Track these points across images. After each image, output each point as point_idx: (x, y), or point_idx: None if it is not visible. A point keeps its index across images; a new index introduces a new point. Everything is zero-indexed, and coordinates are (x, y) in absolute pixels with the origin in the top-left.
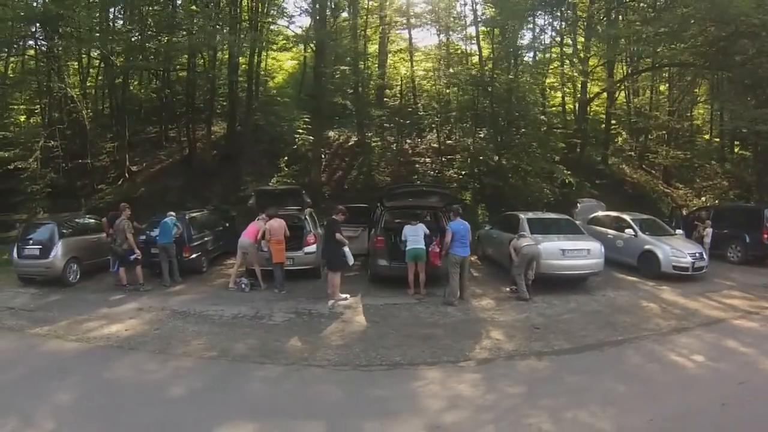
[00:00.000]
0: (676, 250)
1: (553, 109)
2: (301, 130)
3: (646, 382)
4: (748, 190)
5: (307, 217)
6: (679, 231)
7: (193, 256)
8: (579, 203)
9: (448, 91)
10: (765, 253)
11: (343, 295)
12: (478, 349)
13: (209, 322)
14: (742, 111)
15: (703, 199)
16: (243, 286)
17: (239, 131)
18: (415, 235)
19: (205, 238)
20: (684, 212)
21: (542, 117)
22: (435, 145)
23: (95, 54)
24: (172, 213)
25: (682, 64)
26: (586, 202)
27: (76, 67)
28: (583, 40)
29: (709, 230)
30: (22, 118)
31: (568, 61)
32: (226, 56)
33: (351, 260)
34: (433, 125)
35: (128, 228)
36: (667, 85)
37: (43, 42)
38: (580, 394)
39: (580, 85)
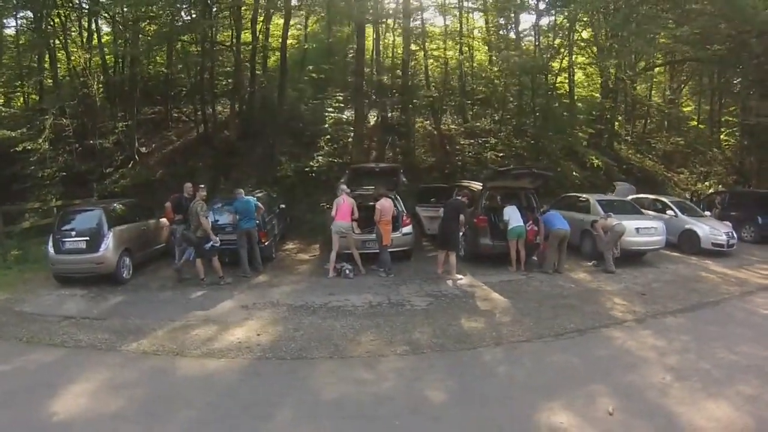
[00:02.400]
0: (714, 228)
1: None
2: (331, 109)
3: (759, 327)
4: (746, 176)
5: (397, 197)
6: (707, 212)
7: (267, 242)
8: (616, 186)
9: (495, 75)
10: None
11: (459, 275)
12: (619, 312)
13: (347, 314)
14: (752, 104)
15: (707, 183)
16: (347, 272)
17: (260, 109)
18: (515, 215)
19: (273, 222)
20: (688, 196)
21: (579, 104)
22: (464, 127)
23: (103, 23)
24: (241, 191)
25: (698, 59)
26: (621, 185)
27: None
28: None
29: (707, 213)
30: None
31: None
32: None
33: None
34: (475, 107)
35: (202, 211)
36: (667, 75)
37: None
38: (729, 338)
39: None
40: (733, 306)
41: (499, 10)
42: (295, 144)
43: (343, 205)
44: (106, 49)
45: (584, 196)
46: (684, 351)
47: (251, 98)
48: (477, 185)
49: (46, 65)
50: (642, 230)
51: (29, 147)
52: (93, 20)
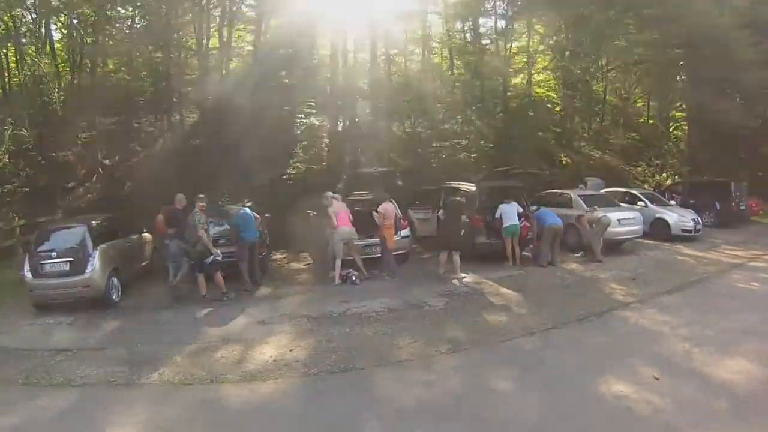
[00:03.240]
0: (682, 216)
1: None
2: (301, 115)
3: (743, 298)
4: (698, 167)
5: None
6: (672, 202)
7: (263, 253)
8: (587, 181)
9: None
10: (732, 219)
11: (463, 274)
12: (620, 296)
13: (372, 321)
14: (706, 101)
15: (664, 175)
16: (354, 278)
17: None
18: (510, 213)
19: (265, 232)
20: (647, 188)
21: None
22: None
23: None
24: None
25: (656, 62)
26: (592, 180)
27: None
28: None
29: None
30: None
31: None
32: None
33: None
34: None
35: (201, 223)
36: (620, 75)
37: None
38: (721, 309)
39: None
40: (715, 283)
41: (461, 16)
42: (267, 152)
43: (342, 211)
44: (59, 56)
45: (565, 192)
46: (689, 324)
47: (218, 106)
48: (467, 186)
49: None
50: (623, 221)
51: None
52: (44, 23)
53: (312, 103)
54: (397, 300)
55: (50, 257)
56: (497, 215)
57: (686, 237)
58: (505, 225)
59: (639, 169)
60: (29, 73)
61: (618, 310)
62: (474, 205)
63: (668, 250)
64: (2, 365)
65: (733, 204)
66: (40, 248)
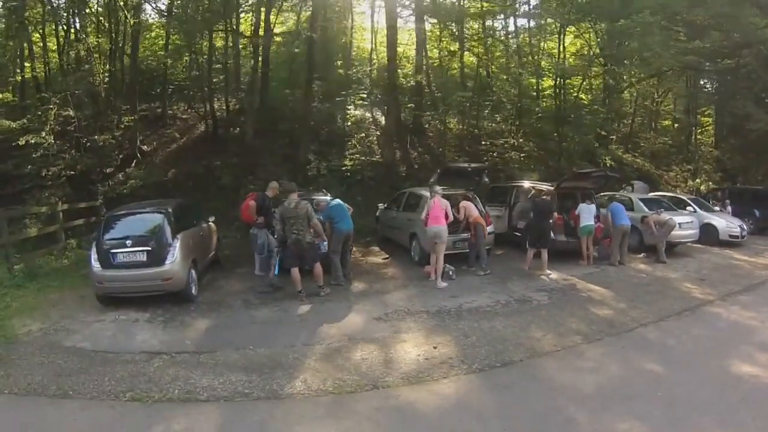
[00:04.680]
0: (729, 222)
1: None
2: (351, 107)
3: None
4: (731, 173)
5: (476, 196)
6: (716, 208)
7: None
8: (634, 184)
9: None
10: None
11: (549, 271)
12: (699, 294)
13: (493, 315)
14: (740, 108)
15: (698, 181)
16: (450, 273)
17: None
18: (588, 213)
19: None
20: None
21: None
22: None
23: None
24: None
25: (694, 68)
26: (638, 183)
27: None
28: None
29: (729, 207)
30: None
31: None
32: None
33: None
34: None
35: (312, 212)
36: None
37: None
38: None
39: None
40: None
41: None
42: (317, 143)
43: (435, 207)
44: (102, 37)
45: (625, 195)
46: None
47: (263, 94)
48: (541, 185)
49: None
50: (683, 225)
51: (32, 141)
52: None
53: (363, 95)
54: (501, 295)
55: (124, 246)
56: (577, 212)
57: (733, 242)
58: (582, 225)
59: (671, 173)
60: (75, 52)
61: (706, 307)
62: (554, 204)
63: (719, 254)
64: (88, 373)
65: None
66: (110, 236)
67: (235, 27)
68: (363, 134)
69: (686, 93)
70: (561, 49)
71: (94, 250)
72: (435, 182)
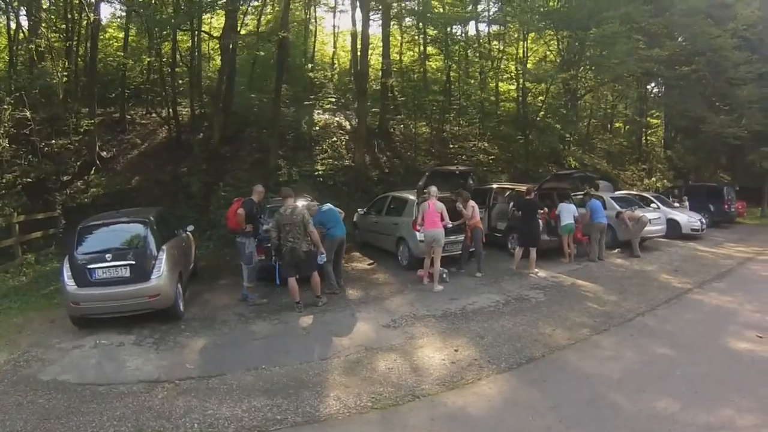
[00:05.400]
0: (690, 217)
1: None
2: (318, 111)
3: None
4: (683, 172)
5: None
6: (676, 204)
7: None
8: (599, 184)
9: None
10: (725, 219)
11: (536, 269)
12: (678, 284)
13: (497, 314)
14: (693, 111)
15: (653, 179)
16: (444, 276)
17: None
18: (568, 212)
19: None
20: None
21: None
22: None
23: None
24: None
25: (653, 74)
26: (603, 183)
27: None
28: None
29: (687, 203)
30: None
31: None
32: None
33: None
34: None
35: (309, 220)
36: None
37: None
38: (763, 290)
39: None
40: (742, 272)
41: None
42: (285, 148)
43: (430, 210)
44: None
45: (596, 193)
46: (749, 301)
47: (229, 98)
48: (520, 186)
49: None
50: (653, 220)
51: None
52: None
53: (333, 99)
54: (499, 295)
55: (103, 260)
56: (557, 213)
57: (694, 236)
58: (562, 223)
59: (627, 173)
60: (29, 49)
61: (688, 294)
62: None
63: (684, 247)
64: (81, 413)
65: (725, 206)
66: (85, 249)
67: (197, 27)
68: (334, 139)
69: (638, 97)
70: (525, 54)
71: (66, 266)
72: (423, 185)
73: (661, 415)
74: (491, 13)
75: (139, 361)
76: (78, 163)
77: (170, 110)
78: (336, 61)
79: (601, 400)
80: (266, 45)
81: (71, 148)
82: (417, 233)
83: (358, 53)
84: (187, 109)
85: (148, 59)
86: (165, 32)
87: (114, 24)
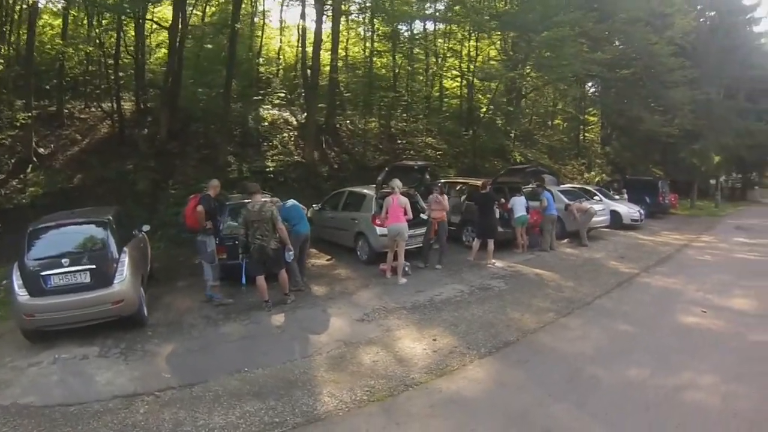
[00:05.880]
0: (630, 208)
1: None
2: (267, 107)
3: (707, 265)
4: (620, 167)
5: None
6: (616, 197)
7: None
8: (544, 177)
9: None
10: (660, 210)
11: (493, 260)
12: (626, 269)
13: (466, 303)
14: (631, 111)
15: (593, 173)
16: (406, 269)
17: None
18: (520, 205)
19: None
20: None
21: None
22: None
23: None
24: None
25: (597, 75)
26: (548, 177)
27: None
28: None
29: (626, 196)
30: None
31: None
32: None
33: None
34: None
35: (278, 216)
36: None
37: None
38: (700, 273)
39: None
40: (680, 258)
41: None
42: (233, 144)
43: (394, 204)
44: None
45: (547, 187)
46: (690, 282)
47: (175, 92)
48: (473, 181)
49: None
50: (599, 212)
51: None
52: None
53: (282, 94)
54: (462, 285)
55: (59, 266)
56: (510, 207)
57: (634, 225)
58: (516, 216)
59: (568, 167)
60: None
61: (636, 278)
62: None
63: (626, 236)
64: None
65: (660, 198)
66: (37, 254)
67: (141, 15)
68: (285, 135)
69: (577, 96)
70: (476, 53)
71: (16, 273)
72: (383, 180)
73: (635, 382)
74: (439, 11)
75: (108, 375)
76: (12, 161)
77: (113, 104)
78: (282, 56)
79: (581, 375)
80: (216, 37)
81: (5, 144)
82: (377, 228)
83: (308, 48)
84: (129, 103)
85: (90, 48)
86: (105, 21)
87: (48, 9)
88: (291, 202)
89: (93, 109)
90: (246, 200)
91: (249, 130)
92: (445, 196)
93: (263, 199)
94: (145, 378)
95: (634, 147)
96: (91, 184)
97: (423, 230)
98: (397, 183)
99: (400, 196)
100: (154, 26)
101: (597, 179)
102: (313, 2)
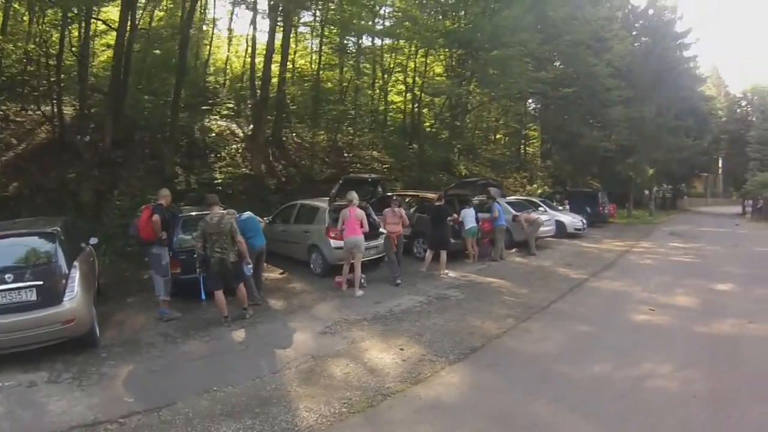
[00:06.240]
0: (574, 218)
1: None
2: (215, 117)
3: (648, 269)
4: (561, 180)
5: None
6: (559, 207)
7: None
8: (491, 190)
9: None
10: (600, 219)
11: (446, 270)
12: (575, 275)
13: (426, 313)
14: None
15: (535, 186)
16: (362, 281)
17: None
18: (470, 217)
19: None
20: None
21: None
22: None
23: None
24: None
25: (541, 93)
26: (494, 189)
27: None
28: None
29: (568, 206)
30: None
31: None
32: None
33: None
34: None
35: (237, 228)
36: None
37: None
38: (643, 275)
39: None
40: (623, 263)
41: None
42: (179, 155)
43: (351, 217)
44: None
45: (495, 199)
46: (635, 284)
47: (120, 98)
48: (425, 194)
49: None
50: (546, 222)
51: None
52: None
53: (231, 104)
54: (420, 296)
55: (1, 282)
56: (460, 219)
57: (577, 234)
58: (466, 227)
59: (510, 180)
60: None
61: (586, 283)
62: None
63: (571, 244)
64: None
65: (600, 208)
66: None
67: (83, 14)
68: (233, 146)
69: (520, 112)
70: (425, 68)
71: None
72: (336, 193)
73: (601, 376)
74: (389, 27)
75: (62, 403)
76: None
77: (53, 107)
78: (229, 66)
79: (551, 373)
80: (165, 43)
81: None
82: (331, 240)
83: (257, 59)
84: (71, 108)
85: (32, 46)
86: (48, 18)
87: None
88: (247, 214)
89: (30, 112)
90: (196, 212)
91: (195, 140)
92: (402, 210)
93: (222, 212)
94: (105, 404)
95: (574, 160)
96: (29, 193)
97: (377, 242)
98: (353, 195)
99: (356, 208)
100: (101, 27)
101: (539, 191)
102: (266, 12)
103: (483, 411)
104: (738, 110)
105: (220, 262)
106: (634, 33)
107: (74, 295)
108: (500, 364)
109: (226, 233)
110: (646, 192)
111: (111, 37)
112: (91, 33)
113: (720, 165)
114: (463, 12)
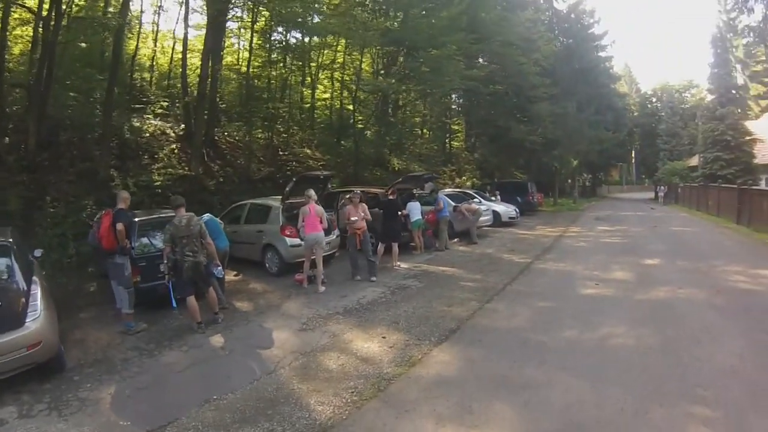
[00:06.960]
0: (508, 207)
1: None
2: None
3: (586, 250)
4: (489, 172)
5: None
6: (492, 198)
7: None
8: (426, 183)
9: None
10: (529, 208)
11: (398, 262)
12: (519, 259)
13: (392, 303)
14: (496, 120)
15: (464, 178)
16: (323, 278)
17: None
18: (416, 210)
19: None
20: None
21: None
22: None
23: None
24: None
25: (473, 90)
26: (429, 183)
27: None
28: None
29: (499, 197)
30: None
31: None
32: None
33: None
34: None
35: (206, 230)
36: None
37: None
38: (583, 256)
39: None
40: (560, 246)
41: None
42: (113, 157)
43: (311, 214)
44: None
45: (433, 192)
46: (577, 264)
47: (44, 95)
48: (373, 189)
49: None
50: (485, 212)
51: None
52: None
53: (165, 103)
54: (381, 287)
55: None
56: (407, 212)
57: (511, 223)
58: (413, 220)
59: (439, 173)
60: None
61: (532, 266)
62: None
63: (507, 232)
64: None
65: (529, 198)
66: None
67: None
68: (166, 147)
69: (445, 107)
70: (360, 65)
71: None
72: (290, 191)
73: (572, 340)
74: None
75: None
76: None
77: None
78: (156, 63)
79: (529, 342)
80: (92, 36)
81: None
82: (287, 238)
83: (188, 55)
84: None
85: None
86: None
87: None
88: (207, 216)
89: None
90: (153, 216)
91: (127, 141)
92: (365, 205)
93: (190, 214)
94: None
95: (501, 153)
96: None
97: (331, 237)
98: (312, 193)
99: (315, 205)
100: (20, 13)
101: (468, 183)
102: (203, 7)
103: (484, 379)
104: (649, 106)
105: (194, 266)
106: (557, 34)
107: (37, 314)
108: (482, 340)
109: (196, 235)
110: (569, 181)
111: (27, 30)
112: (9, 20)
113: (633, 155)
114: (401, 13)
